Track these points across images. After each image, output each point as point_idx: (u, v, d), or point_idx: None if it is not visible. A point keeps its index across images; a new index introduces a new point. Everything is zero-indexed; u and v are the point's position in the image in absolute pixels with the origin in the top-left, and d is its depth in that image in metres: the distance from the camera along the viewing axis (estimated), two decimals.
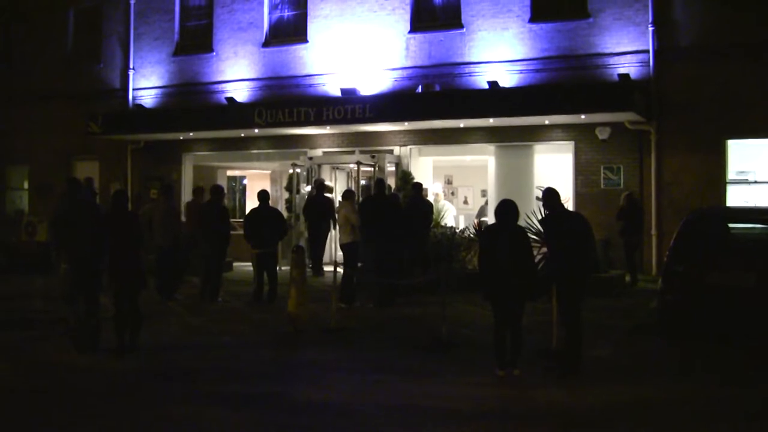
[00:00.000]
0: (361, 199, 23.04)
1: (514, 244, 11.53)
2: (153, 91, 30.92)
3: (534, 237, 16.50)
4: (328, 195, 24.32)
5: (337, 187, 26.34)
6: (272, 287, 19.14)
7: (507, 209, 11.74)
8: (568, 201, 22.48)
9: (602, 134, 23.50)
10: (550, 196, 12.18)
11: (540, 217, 14.65)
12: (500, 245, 11.58)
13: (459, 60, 25.70)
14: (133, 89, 31.21)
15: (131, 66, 31.24)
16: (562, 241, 11.78)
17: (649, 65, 23.31)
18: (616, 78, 23.09)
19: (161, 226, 19.48)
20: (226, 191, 30.22)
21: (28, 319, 17.14)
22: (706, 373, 12.03)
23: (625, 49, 23.62)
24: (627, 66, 23.37)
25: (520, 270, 11.47)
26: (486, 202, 27.31)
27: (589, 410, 10.12)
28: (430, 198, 24.74)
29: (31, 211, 31.93)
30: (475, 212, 28.08)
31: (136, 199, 30.61)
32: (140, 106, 30.69)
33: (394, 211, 18.89)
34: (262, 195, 19.78)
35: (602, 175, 23.82)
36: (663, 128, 23.26)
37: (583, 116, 22.91)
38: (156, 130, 29.47)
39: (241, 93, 28.75)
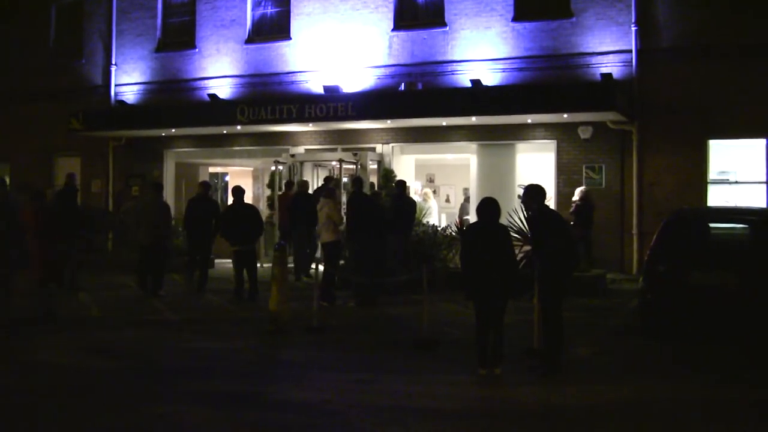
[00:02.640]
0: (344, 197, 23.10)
1: (494, 242, 11.55)
2: (135, 88, 30.80)
3: (516, 235, 16.55)
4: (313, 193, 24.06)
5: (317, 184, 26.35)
6: (252, 285, 19.13)
7: (487, 207, 11.74)
8: (550, 200, 22.53)
9: (584, 134, 23.52)
10: (536, 193, 12.18)
11: (523, 215, 14.65)
12: (481, 243, 11.61)
13: (442, 58, 25.70)
14: (115, 85, 31.07)
15: (113, 62, 31.10)
16: (547, 240, 11.75)
17: (631, 65, 23.36)
18: (598, 78, 23.09)
19: (148, 224, 19.91)
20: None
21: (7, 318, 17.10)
22: (687, 373, 12.05)
23: (608, 48, 23.66)
24: (609, 66, 23.40)
25: (501, 268, 11.49)
26: (466, 200, 27.35)
27: (571, 409, 10.13)
28: (418, 196, 24.83)
29: None
30: (457, 210, 28.12)
31: (117, 196, 30.53)
32: (122, 102, 30.56)
33: (375, 210, 18.90)
34: (237, 192, 19.81)
35: (584, 174, 23.83)
36: (645, 128, 23.30)
37: (565, 115, 22.97)
38: (138, 127, 29.39)
39: (223, 90, 28.69)
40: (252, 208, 20.20)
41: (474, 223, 12.78)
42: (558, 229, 11.92)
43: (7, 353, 13.64)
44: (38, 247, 16.30)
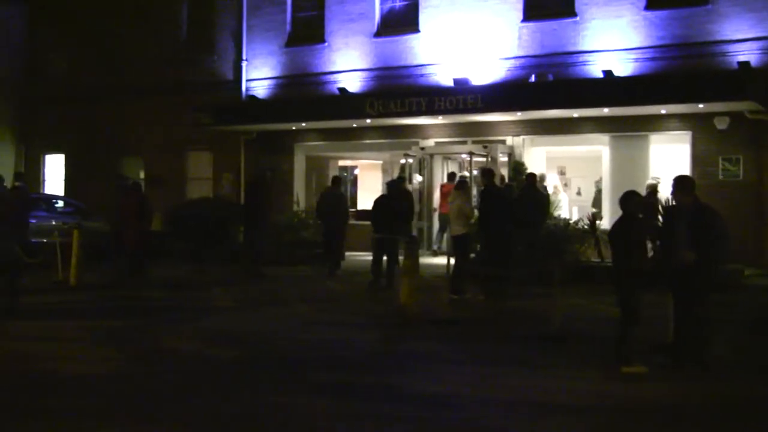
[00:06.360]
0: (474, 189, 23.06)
1: (616, 234, 11.60)
2: (265, 82, 31.15)
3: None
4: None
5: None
6: (389, 275, 19.24)
7: (620, 200, 11.71)
8: None
9: (720, 124, 22.94)
10: (691, 185, 11.86)
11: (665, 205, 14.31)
12: (611, 235, 11.73)
13: (572, 49, 25.34)
14: (246, 80, 31.46)
15: (244, 57, 31.49)
16: (707, 234, 11.39)
17: None
18: (735, 66, 22.47)
19: (328, 214, 22.46)
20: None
21: (140, 307, 17.48)
22: None
23: (745, 36, 22.95)
24: (746, 54, 22.70)
25: (616, 260, 11.56)
26: (598, 191, 26.95)
27: (698, 407, 9.84)
28: (552, 189, 24.66)
29: None
30: (590, 203, 27.74)
31: None
32: (253, 97, 30.93)
33: (505, 202, 18.71)
34: (392, 183, 21.75)
35: (720, 166, 23.21)
36: None
37: (700, 105, 22.44)
38: (268, 121, 29.79)
39: (352, 83, 28.80)
40: (400, 198, 20.43)
41: None
42: (718, 223, 11.61)
43: (133, 340, 13.91)
44: (136, 228, 20.23)
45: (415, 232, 23.98)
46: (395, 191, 20.89)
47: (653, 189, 20.90)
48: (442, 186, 25.89)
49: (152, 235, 21.49)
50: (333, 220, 22.48)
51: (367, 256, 21.52)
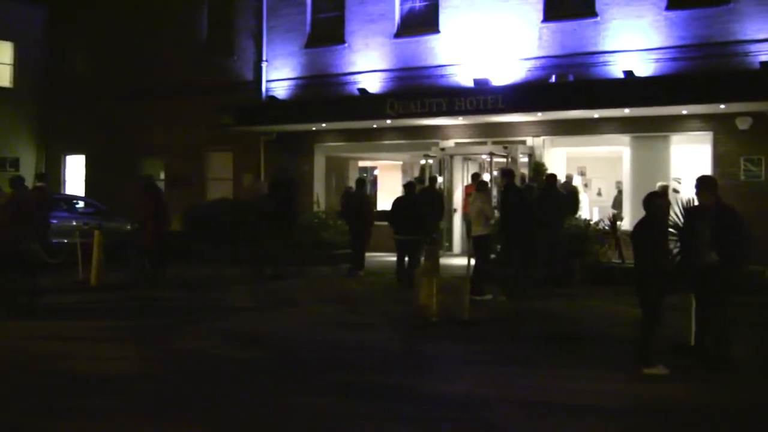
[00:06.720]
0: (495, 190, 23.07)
1: (635, 236, 11.55)
2: (285, 83, 31.17)
3: (670, 230, 16.08)
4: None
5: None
6: (407, 276, 19.27)
7: (644, 199, 11.60)
8: None
9: (742, 124, 22.81)
10: (715, 185, 11.79)
11: (680, 210, 14.27)
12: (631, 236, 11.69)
13: (593, 49, 25.22)
14: (266, 81, 31.49)
15: (264, 58, 31.53)
16: (729, 235, 11.32)
17: None
18: (757, 66, 22.33)
19: (352, 214, 22.85)
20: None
21: (154, 307, 17.55)
22: None
23: (767, 35, 22.79)
24: None
25: (636, 262, 11.54)
26: (619, 192, 26.86)
27: (722, 409, 9.82)
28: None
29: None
30: (610, 204, 27.65)
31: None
32: (273, 97, 30.94)
33: (526, 203, 18.68)
34: (408, 185, 21.63)
35: (742, 166, 23.07)
36: None
37: (722, 106, 22.30)
38: (289, 122, 29.81)
39: (372, 84, 28.77)
40: (416, 199, 20.48)
41: None
42: (740, 224, 11.54)
43: (141, 340, 13.93)
44: (153, 226, 19.73)
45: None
46: (412, 192, 20.92)
47: (664, 191, 20.83)
48: (466, 187, 25.89)
49: (171, 236, 21.42)
50: (357, 221, 22.66)
51: (388, 257, 21.55)
